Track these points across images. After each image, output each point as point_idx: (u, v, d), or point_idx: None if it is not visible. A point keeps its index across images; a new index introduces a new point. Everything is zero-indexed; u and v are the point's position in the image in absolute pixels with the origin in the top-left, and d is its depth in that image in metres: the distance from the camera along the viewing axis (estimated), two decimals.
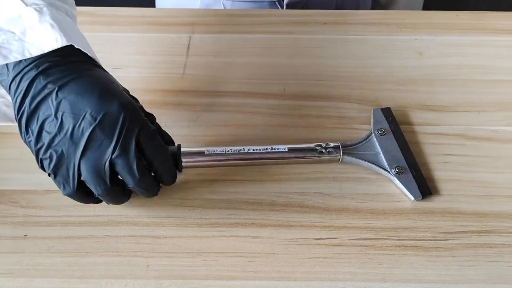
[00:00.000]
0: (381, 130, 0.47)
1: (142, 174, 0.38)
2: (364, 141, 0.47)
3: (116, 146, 0.36)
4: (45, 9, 0.38)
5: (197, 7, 0.70)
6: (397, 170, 0.44)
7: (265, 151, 0.43)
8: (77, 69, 0.37)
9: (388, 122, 0.48)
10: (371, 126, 0.48)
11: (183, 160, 0.42)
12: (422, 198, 0.44)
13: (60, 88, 0.36)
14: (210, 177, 0.46)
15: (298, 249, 0.41)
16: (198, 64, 0.55)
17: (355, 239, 0.42)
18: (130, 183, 0.38)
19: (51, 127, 0.36)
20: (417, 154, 0.47)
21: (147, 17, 0.61)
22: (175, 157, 0.42)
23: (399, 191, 0.45)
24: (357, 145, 0.46)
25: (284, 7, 0.67)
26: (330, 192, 0.45)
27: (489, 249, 0.41)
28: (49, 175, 0.38)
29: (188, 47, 0.57)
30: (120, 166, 0.37)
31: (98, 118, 0.36)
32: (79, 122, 0.36)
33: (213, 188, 0.45)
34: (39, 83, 0.36)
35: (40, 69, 0.37)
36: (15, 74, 0.37)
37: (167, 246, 0.41)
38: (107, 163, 0.36)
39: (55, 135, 0.36)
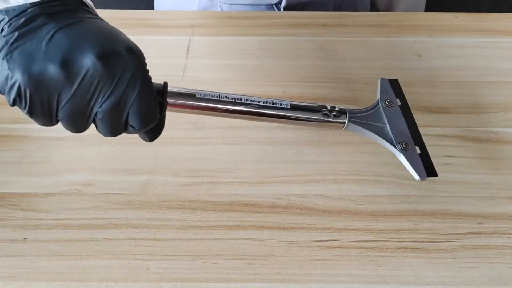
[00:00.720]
0: (388, 102, 0.43)
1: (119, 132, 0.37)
2: (371, 110, 0.43)
3: (109, 94, 0.34)
4: None
5: (194, 10, 0.70)
6: (403, 145, 0.41)
7: (265, 104, 0.39)
8: (81, 16, 0.35)
9: (396, 95, 0.44)
10: (378, 96, 0.44)
11: (169, 100, 0.38)
12: (427, 178, 0.40)
13: (62, 28, 0.33)
14: (210, 180, 0.46)
15: (298, 251, 0.41)
16: (197, 66, 0.56)
17: (355, 241, 0.42)
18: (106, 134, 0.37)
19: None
20: None
21: (147, 20, 0.61)
22: (160, 95, 0.38)
23: (399, 192, 0.45)
24: (364, 113, 0.42)
25: (282, 10, 0.67)
26: (330, 194, 0.45)
27: (489, 250, 0.41)
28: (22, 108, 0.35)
29: (188, 49, 0.57)
30: (104, 116, 0.35)
31: (103, 58, 0.33)
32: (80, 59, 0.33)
33: (213, 190, 0.45)
34: (39, 20, 0.33)
35: (43, 11, 0.34)
36: (14, 15, 0.34)
37: (167, 248, 0.41)
38: (93, 110, 0.35)
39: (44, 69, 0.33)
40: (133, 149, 0.48)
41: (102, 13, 0.62)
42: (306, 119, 0.40)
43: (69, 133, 0.49)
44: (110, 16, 0.61)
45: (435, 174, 0.41)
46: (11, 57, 0.33)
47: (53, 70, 0.33)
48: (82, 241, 0.42)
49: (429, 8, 0.80)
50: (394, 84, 0.46)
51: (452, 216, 0.43)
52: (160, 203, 0.44)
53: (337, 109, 0.41)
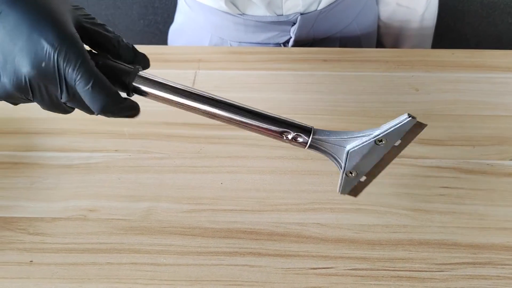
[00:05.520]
0: (379, 141, 0.37)
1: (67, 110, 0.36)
2: (365, 142, 0.38)
3: (62, 92, 0.34)
4: None
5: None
6: (350, 173, 0.39)
7: (234, 106, 0.38)
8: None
9: (402, 139, 0.38)
10: (381, 130, 0.37)
11: (135, 84, 0.37)
12: (344, 194, 0.40)
13: None
14: (210, 207, 0.47)
15: (294, 278, 0.42)
16: None
17: (351, 269, 0.43)
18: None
19: None
20: (413, 187, 0.49)
21: (156, 54, 0.64)
22: (127, 77, 0.37)
23: (395, 222, 0.46)
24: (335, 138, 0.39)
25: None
26: (327, 222, 0.46)
27: (484, 280, 0.42)
28: None
29: (194, 82, 0.60)
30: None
31: (33, 67, 0.32)
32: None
33: (213, 217, 0.47)
34: None
35: None
36: None
37: (166, 273, 0.43)
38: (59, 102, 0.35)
39: None
40: (138, 177, 0.50)
41: None
42: (271, 130, 0.38)
43: (77, 161, 0.52)
44: None
45: (354, 194, 0.39)
46: None
47: (8, 87, 0.33)
48: (85, 265, 0.43)
49: (432, 46, 0.82)
50: (416, 128, 0.38)
51: (447, 246, 0.44)
52: (162, 229, 0.46)
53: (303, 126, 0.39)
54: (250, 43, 0.72)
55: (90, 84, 0.33)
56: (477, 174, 0.50)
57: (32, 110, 0.56)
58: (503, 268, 0.43)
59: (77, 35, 0.34)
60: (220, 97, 0.38)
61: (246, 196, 0.48)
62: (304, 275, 0.42)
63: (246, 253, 0.44)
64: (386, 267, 0.43)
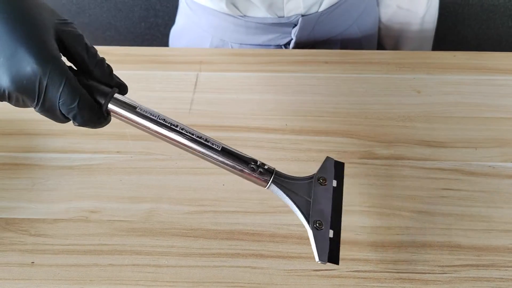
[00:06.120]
0: (322, 180, 0.42)
1: (64, 121, 0.37)
2: (300, 181, 0.41)
3: (37, 106, 0.35)
4: None
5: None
6: (317, 224, 0.39)
7: (198, 138, 0.39)
8: None
9: (335, 176, 0.43)
10: (316, 171, 0.42)
11: (111, 106, 0.38)
12: (325, 263, 0.38)
13: None
14: (212, 208, 0.47)
15: (297, 280, 0.42)
16: (204, 100, 0.58)
17: (353, 271, 0.43)
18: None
19: None
20: (416, 189, 0.49)
21: (157, 56, 0.64)
22: (104, 97, 0.38)
23: (397, 224, 0.46)
24: (292, 181, 0.41)
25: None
26: None
27: (487, 283, 0.42)
28: None
29: (195, 84, 0.60)
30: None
31: (13, 83, 0.33)
32: None
33: (215, 219, 0.46)
34: None
35: None
36: None
37: (168, 275, 0.42)
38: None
39: None
40: (140, 178, 0.50)
41: (118, 50, 0.65)
42: (232, 166, 0.39)
43: (79, 162, 0.52)
44: (123, 52, 0.65)
45: (336, 262, 0.38)
46: None
47: None
48: (87, 266, 0.43)
49: (433, 49, 0.82)
50: (338, 166, 0.44)
51: (449, 248, 0.44)
52: (164, 230, 0.46)
53: (265, 167, 0.40)
54: (251, 44, 0.72)
55: (76, 103, 0.35)
56: (479, 176, 0.50)
57: (32, 111, 0.56)
58: (506, 270, 0.42)
59: (59, 55, 0.35)
60: (185, 128, 0.39)
61: (248, 197, 0.48)
62: (307, 277, 0.42)
63: (249, 254, 0.44)
64: (389, 269, 0.43)
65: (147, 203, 0.48)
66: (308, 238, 0.45)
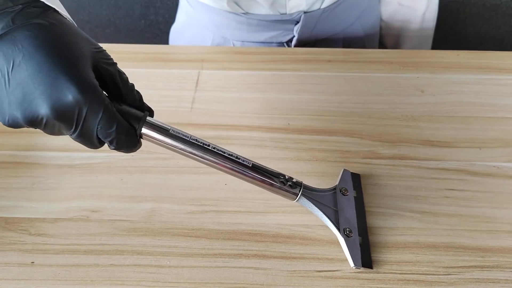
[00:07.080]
0: (344, 190, 0.46)
1: (97, 146, 0.38)
2: (326, 192, 0.45)
3: (75, 133, 0.36)
4: None
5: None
6: (347, 231, 0.43)
7: (229, 156, 0.41)
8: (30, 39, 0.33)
9: (354, 187, 0.47)
10: (337, 183, 0.47)
11: (144, 130, 0.39)
12: (361, 268, 0.42)
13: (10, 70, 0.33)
14: (214, 208, 0.47)
15: (300, 281, 0.42)
16: (205, 99, 0.57)
17: (357, 272, 0.42)
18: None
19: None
20: (419, 189, 0.48)
21: (159, 54, 0.64)
22: (137, 122, 0.39)
23: (401, 224, 0.46)
24: (318, 193, 0.44)
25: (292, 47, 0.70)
26: None
27: (491, 284, 0.41)
28: None
29: (197, 82, 0.60)
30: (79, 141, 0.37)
31: (53, 111, 0.34)
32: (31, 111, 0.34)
33: (217, 219, 0.46)
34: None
35: None
36: None
37: (170, 276, 0.42)
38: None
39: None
40: (141, 177, 0.49)
41: (119, 48, 0.65)
42: (263, 181, 0.41)
43: (79, 161, 0.51)
44: (125, 50, 0.64)
45: (370, 266, 0.42)
46: None
47: (20, 122, 0.35)
48: (88, 266, 0.43)
49: (434, 48, 0.82)
50: (355, 178, 0.48)
51: (454, 249, 0.44)
52: (165, 230, 0.45)
53: (294, 180, 0.42)
54: (253, 42, 0.71)
55: (114, 129, 0.36)
56: (483, 176, 0.49)
57: None
58: (511, 271, 0.42)
59: (97, 83, 0.35)
60: (217, 147, 0.41)
61: (251, 197, 0.48)
62: (310, 278, 0.42)
63: (251, 255, 0.43)
64: (393, 270, 0.42)
65: (148, 203, 0.47)
66: (311, 239, 0.45)
